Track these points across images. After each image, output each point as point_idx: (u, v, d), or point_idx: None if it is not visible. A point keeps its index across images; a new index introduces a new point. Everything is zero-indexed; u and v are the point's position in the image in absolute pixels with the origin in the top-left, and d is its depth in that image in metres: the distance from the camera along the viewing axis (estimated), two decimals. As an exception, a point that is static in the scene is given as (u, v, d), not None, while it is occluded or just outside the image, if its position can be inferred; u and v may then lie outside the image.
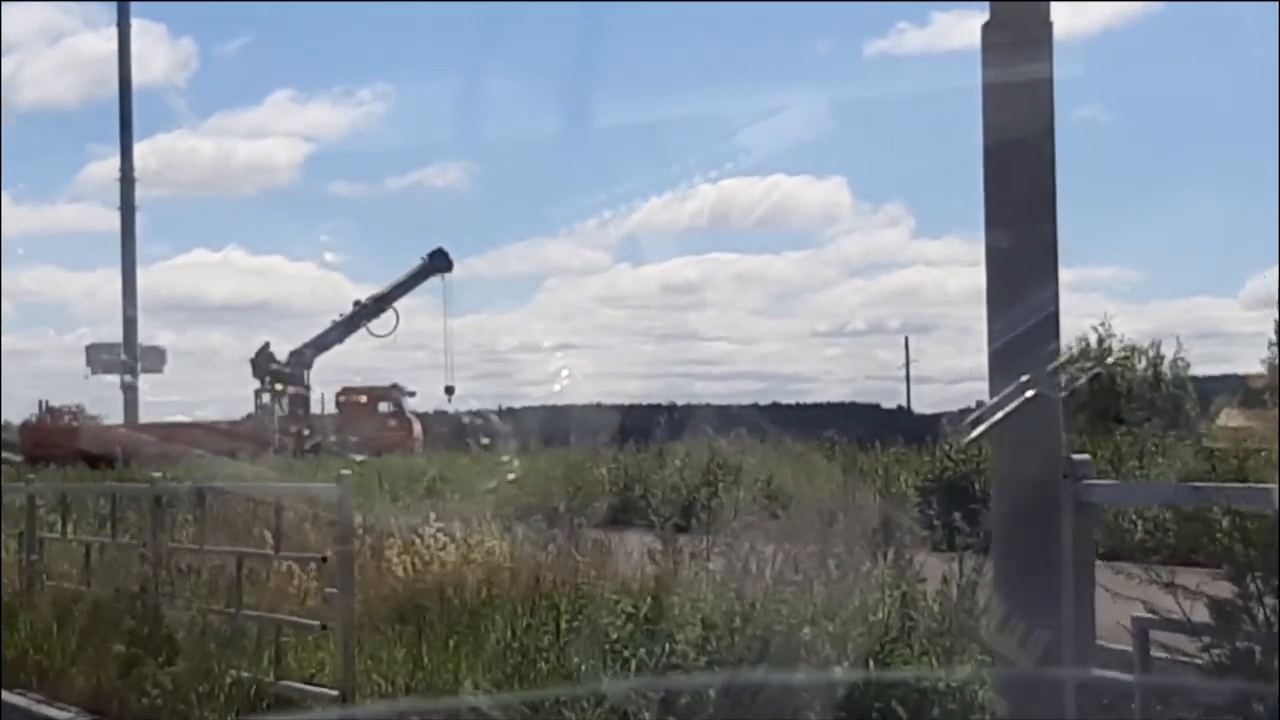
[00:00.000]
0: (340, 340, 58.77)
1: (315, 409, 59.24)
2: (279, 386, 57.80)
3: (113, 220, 66.46)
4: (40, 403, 56.84)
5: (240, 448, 48.59)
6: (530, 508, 15.02)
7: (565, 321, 72.59)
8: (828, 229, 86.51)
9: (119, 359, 63.23)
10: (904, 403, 62.51)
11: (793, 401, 56.65)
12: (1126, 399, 49.74)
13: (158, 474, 10.94)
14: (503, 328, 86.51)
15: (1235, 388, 49.37)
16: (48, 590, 11.67)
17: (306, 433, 56.16)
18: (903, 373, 65.98)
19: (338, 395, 58.09)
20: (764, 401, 55.91)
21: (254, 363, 58.05)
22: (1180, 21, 58.25)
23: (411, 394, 57.55)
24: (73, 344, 76.65)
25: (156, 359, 64.31)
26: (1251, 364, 61.31)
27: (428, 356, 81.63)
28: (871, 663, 8.45)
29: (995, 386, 4.71)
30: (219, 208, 76.07)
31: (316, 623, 8.60)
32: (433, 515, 10.73)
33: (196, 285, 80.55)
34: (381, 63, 72.10)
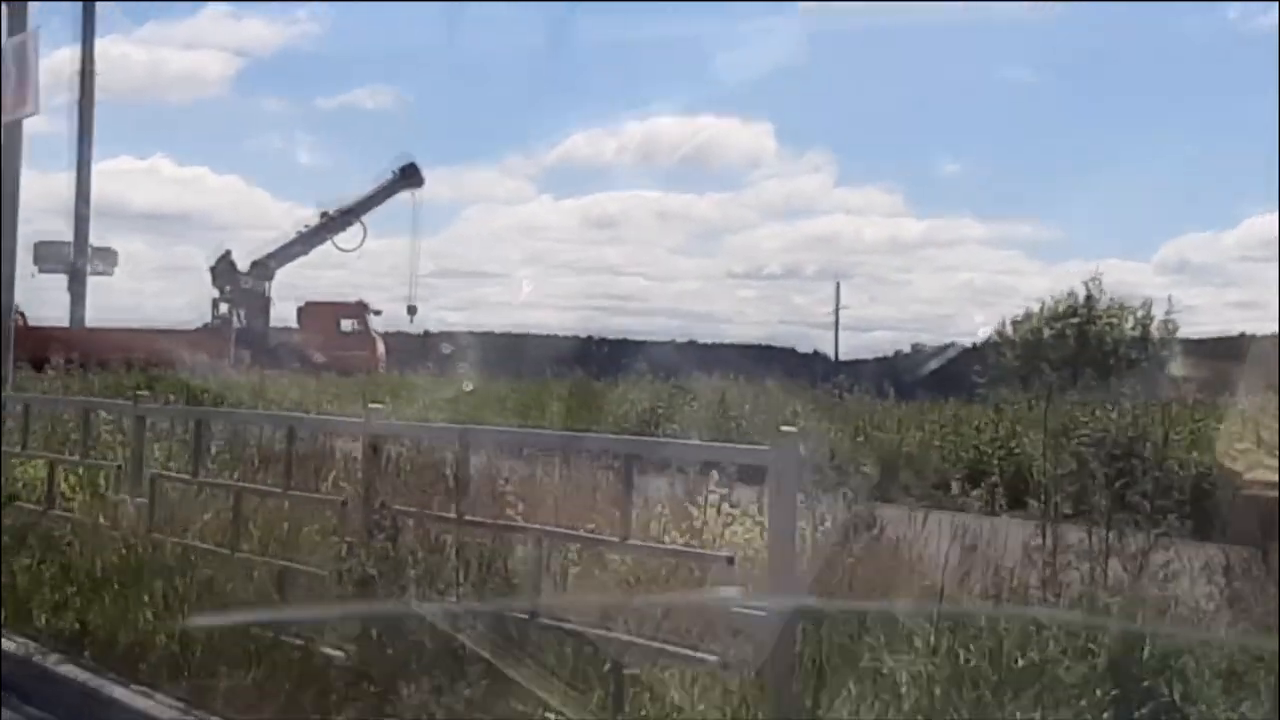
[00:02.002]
0: (305, 252, 55.29)
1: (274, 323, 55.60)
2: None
3: (42, 122, 61.29)
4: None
5: (200, 358, 45.16)
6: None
7: (483, 250, 73.88)
8: (751, 172, 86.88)
9: (68, 258, 58.85)
10: (820, 348, 61.04)
11: (709, 340, 54.41)
12: (1115, 357, 47.67)
13: (376, 405, 7.63)
14: (421, 253, 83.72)
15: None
16: (174, 551, 8.34)
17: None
18: (817, 319, 63.73)
19: (300, 309, 54.37)
20: (680, 339, 54.16)
21: (214, 270, 54.17)
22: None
23: (377, 312, 53.99)
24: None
25: (108, 260, 59.91)
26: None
27: (347, 275, 79.59)
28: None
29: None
30: (148, 116, 73.66)
31: (713, 658, 5.44)
32: (715, 475, 7.43)
33: (120, 192, 78.55)
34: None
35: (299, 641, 7.11)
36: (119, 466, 9.34)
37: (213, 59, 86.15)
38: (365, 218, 55.88)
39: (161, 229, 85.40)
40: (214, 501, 8.60)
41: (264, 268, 53.84)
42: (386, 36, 65.82)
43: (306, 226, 54.96)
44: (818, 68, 62.90)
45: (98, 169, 71.92)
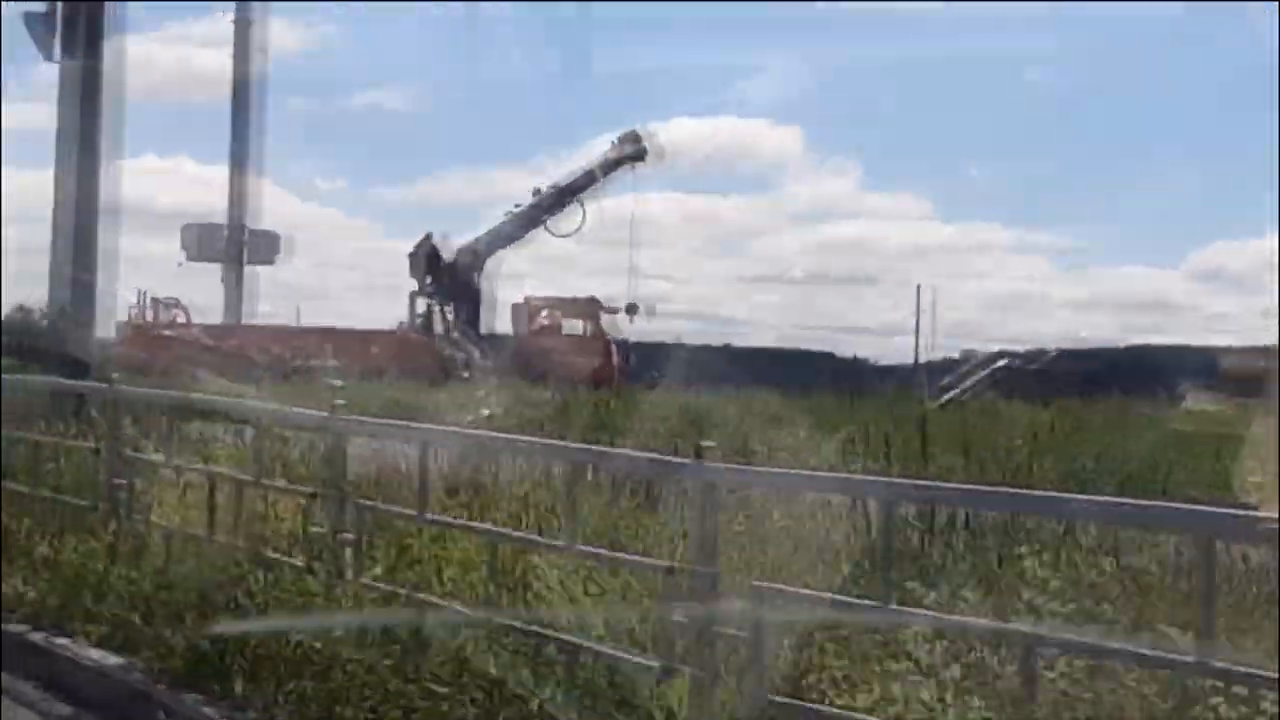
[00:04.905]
0: (519, 236, 47.93)
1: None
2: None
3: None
4: (140, 294, 45.05)
5: (402, 365, 38.09)
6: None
7: (510, 250, 72.30)
8: (776, 175, 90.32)
9: (222, 243, 51.52)
10: (858, 353, 56.83)
11: (742, 345, 51.08)
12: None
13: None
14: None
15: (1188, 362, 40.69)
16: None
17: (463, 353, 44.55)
18: (843, 323, 69.31)
19: (517, 306, 46.77)
20: (714, 343, 50.56)
21: (413, 258, 46.59)
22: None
23: (614, 310, 46.01)
24: (12, 242, 72.09)
25: (268, 246, 52.43)
26: (1195, 336, 63.09)
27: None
28: None
29: None
30: (171, 115, 73.01)
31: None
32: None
33: (143, 192, 75.46)
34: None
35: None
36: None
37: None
38: (584, 196, 48.09)
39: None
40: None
41: (472, 255, 46.16)
42: (404, 43, 68.70)
43: (517, 206, 47.30)
44: (844, 74, 64.97)
45: (118, 166, 70.76)
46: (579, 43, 69.60)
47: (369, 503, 7.15)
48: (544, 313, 45.98)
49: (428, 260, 46.22)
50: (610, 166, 48.42)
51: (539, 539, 6.18)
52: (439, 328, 46.07)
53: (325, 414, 7.28)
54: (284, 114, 72.82)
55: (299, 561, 7.19)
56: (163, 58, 73.41)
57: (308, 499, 7.32)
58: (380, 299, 78.93)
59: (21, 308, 50.84)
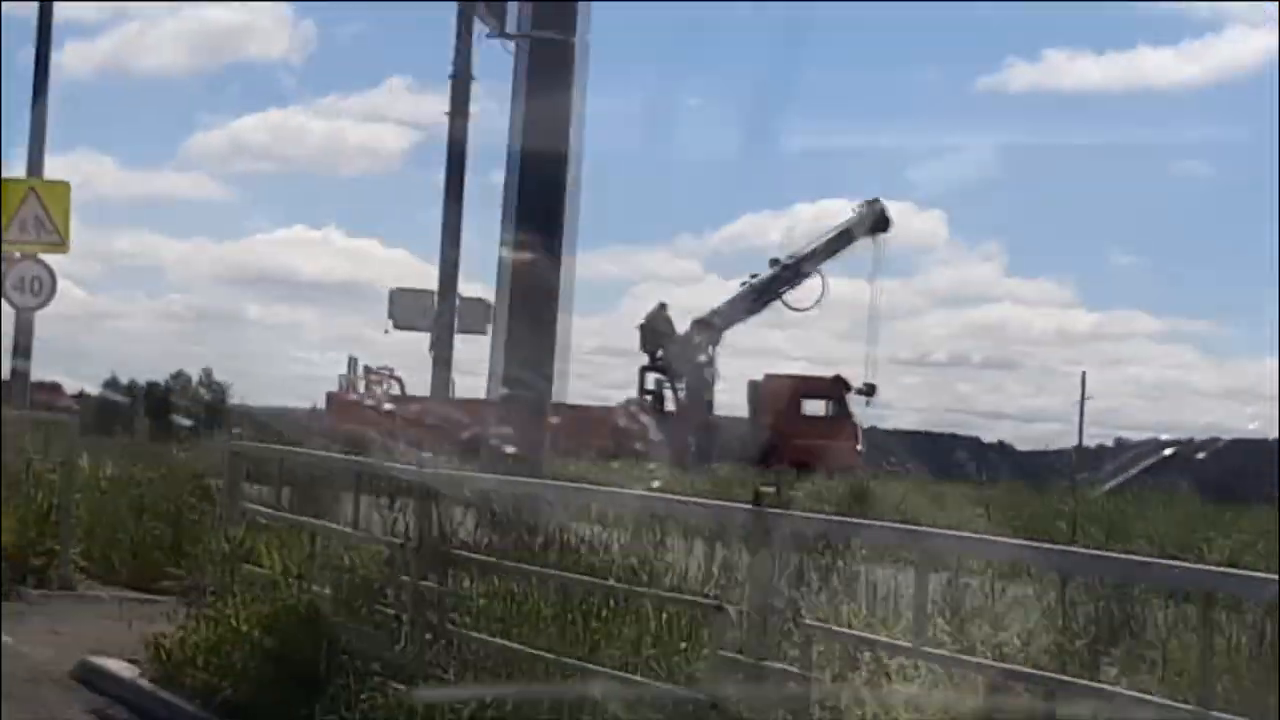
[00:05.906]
0: (756, 311, 45.01)
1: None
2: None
3: (217, 190, 69.07)
4: (350, 362, 42.54)
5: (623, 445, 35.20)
6: None
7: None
8: (920, 258, 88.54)
9: (430, 311, 48.76)
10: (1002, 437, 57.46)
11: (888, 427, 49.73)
12: None
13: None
14: (585, 330, 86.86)
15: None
16: None
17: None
18: (981, 406, 65.45)
19: (754, 385, 43.50)
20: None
21: (644, 330, 43.44)
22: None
23: (861, 391, 42.59)
24: (163, 309, 78.26)
25: (479, 315, 49.52)
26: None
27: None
28: None
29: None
30: (323, 187, 74.91)
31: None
32: None
33: (291, 261, 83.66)
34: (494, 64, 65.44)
35: None
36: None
37: (390, 132, 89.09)
38: (824, 267, 44.96)
39: (329, 299, 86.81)
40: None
41: (708, 327, 42.91)
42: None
43: (753, 277, 44.09)
44: (989, 160, 66.97)
45: (271, 238, 76.75)
46: (721, 125, 71.65)
47: None
48: (784, 391, 42.59)
49: (659, 332, 43.16)
50: (853, 236, 45.33)
51: None
52: (670, 404, 43.04)
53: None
54: (433, 187, 74.89)
55: None
56: (314, 129, 79.73)
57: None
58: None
59: (180, 374, 49.34)
